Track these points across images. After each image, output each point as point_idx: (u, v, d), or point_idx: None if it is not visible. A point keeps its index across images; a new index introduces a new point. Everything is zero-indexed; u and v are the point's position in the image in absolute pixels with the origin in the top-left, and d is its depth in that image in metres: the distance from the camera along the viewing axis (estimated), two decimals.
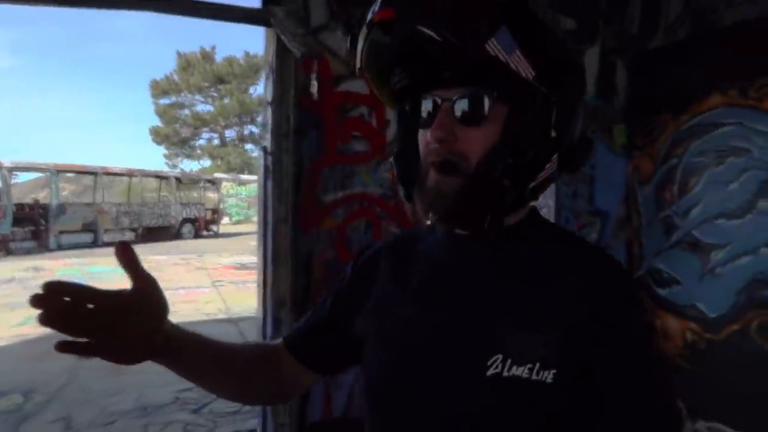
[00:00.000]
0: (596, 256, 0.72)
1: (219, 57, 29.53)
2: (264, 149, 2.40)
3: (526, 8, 0.66)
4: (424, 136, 0.71)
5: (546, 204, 3.29)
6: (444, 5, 0.62)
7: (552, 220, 3.32)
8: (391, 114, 2.88)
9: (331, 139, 2.48)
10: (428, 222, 0.70)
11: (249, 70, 29.27)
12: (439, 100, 0.68)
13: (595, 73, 3.15)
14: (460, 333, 0.69)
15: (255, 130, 30.48)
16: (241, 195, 24.50)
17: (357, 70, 0.71)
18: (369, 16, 0.65)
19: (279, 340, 0.90)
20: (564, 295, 0.66)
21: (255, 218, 22.96)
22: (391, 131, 2.65)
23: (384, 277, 0.81)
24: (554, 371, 0.63)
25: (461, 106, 0.66)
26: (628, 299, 0.68)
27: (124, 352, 0.67)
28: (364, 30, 0.66)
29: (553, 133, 0.67)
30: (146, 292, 0.66)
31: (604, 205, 3.38)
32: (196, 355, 0.78)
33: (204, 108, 30.13)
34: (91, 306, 0.62)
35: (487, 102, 0.66)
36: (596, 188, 3.35)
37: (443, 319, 0.71)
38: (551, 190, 3.31)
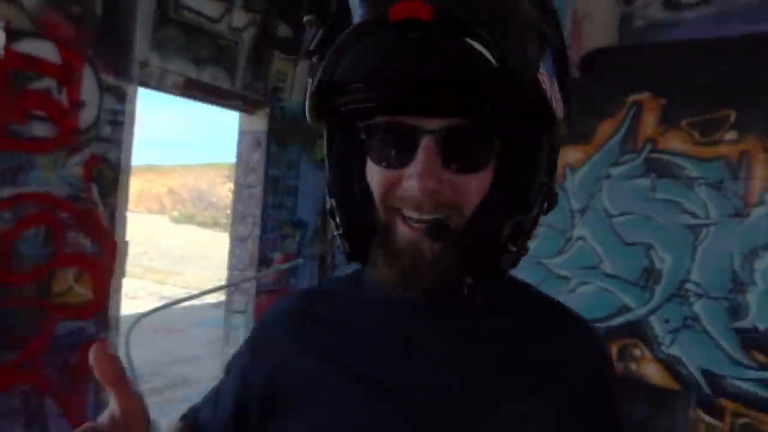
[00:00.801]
0: (579, 329, 0.60)
1: None
2: None
3: (554, 11, 0.50)
4: (384, 175, 0.51)
5: (252, 213, 3.15)
6: (495, 5, 0.44)
7: (257, 230, 3.22)
8: (87, 93, 2.28)
9: None
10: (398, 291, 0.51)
11: None
12: (422, 133, 0.48)
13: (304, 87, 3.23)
14: None
15: None
16: None
17: (315, 83, 0.47)
18: (370, 5, 0.43)
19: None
20: (555, 378, 0.54)
21: None
22: (87, 115, 2.10)
23: (303, 361, 0.57)
24: None
25: (456, 145, 0.48)
26: (608, 387, 0.58)
27: None
28: (363, 26, 0.43)
29: (544, 178, 0.53)
30: (130, 413, 0.47)
31: (305, 216, 3.49)
32: None
33: None
34: None
35: (494, 144, 0.50)
36: (299, 200, 3.42)
37: (422, 425, 0.51)
38: (257, 199, 3.20)
